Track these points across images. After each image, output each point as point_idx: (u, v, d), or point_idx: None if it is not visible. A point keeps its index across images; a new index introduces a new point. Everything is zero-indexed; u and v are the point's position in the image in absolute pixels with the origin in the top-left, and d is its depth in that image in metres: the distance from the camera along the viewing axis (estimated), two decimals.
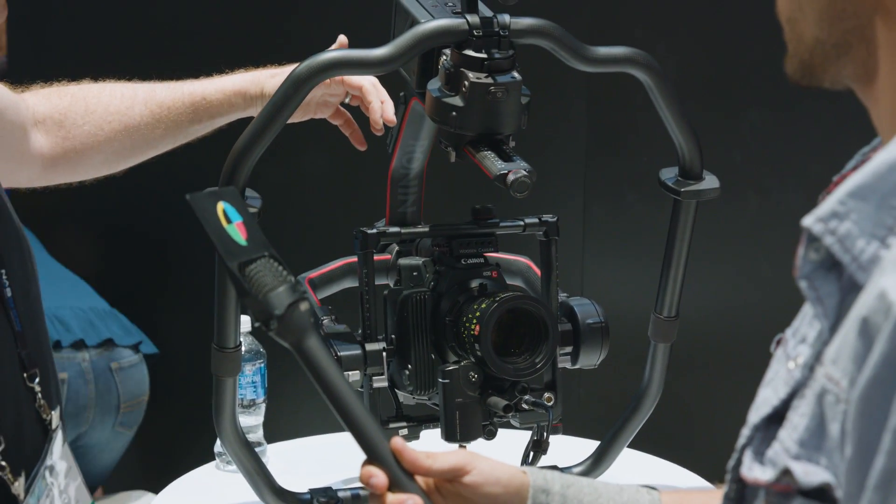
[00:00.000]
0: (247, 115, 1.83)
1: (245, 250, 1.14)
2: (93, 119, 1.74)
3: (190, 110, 1.77)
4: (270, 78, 1.81)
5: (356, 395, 1.16)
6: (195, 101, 1.77)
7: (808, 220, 0.89)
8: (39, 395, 1.35)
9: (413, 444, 1.71)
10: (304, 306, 1.13)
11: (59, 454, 1.38)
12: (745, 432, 0.98)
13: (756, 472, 0.94)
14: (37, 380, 1.35)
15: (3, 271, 1.33)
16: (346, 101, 1.86)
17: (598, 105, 2.91)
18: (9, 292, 1.34)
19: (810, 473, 0.89)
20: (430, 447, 1.86)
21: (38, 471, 1.33)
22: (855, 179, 0.88)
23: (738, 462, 0.98)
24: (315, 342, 1.14)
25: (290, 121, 1.81)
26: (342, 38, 1.88)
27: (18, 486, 1.29)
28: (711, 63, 2.85)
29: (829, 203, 0.89)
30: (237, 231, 1.15)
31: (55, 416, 1.38)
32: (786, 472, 0.91)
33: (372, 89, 1.77)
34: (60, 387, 1.46)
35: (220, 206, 1.16)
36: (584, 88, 2.90)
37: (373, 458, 1.16)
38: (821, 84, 0.97)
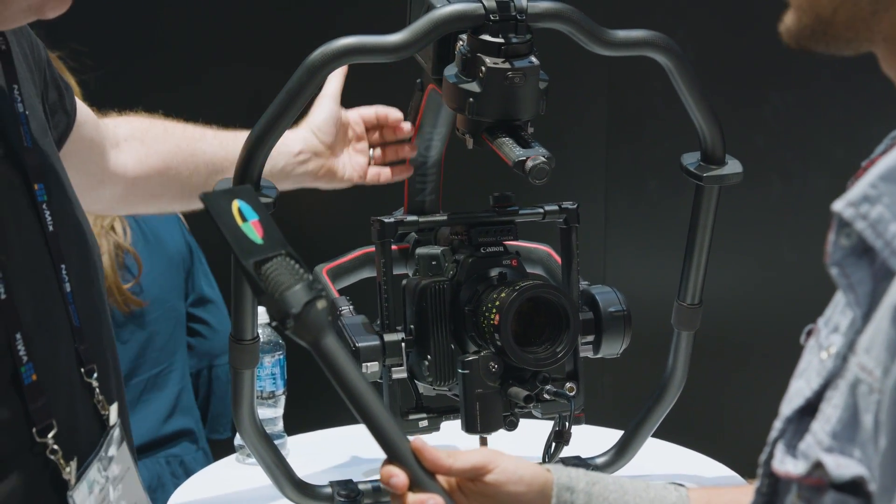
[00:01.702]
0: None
1: (261, 248, 1.13)
2: (172, 139, 1.78)
3: None
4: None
5: (375, 394, 1.14)
6: None
7: (839, 205, 0.87)
8: (98, 390, 1.35)
9: (434, 437, 1.70)
10: (321, 304, 1.12)
11: (116, 451, 1.37)
12: (778, 425, 0.95)
13: (788, 465, 0.91)
14: (94, 375, 1.35)
15: (63, 266, 1.34)
16: (371, 154, 1.91)
17: (619, 91, 2.89)
18: (68, 287, 1.34)
19: (843, 466, 0.86)
20: (450, 439, 1.85)
21: (92, 461, 1.32)
22: (886, 162, 0.85)
23: (770, 455, 0.95)
24: (332, 340, 1.13)
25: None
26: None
27: (69, 472, 1.29)
28: (732, 47, 2.83)
29: (860, 187, 0.86)
30: (253, 229, 1.14)
31: (113, 412, 1.37)
32: (818, 466, 0.88)
33: (371, 109, 1.88)
34: (122, 381, 1.45)
35: (236, 204, 1.14)
36: (605, 74, 2.88)
37: (393, 457, 1.14)
38: (835, 45, 0.92)
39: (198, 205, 1.82)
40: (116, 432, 1.38)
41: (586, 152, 2.91)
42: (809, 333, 1.00)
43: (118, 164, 1.71)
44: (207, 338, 2.64)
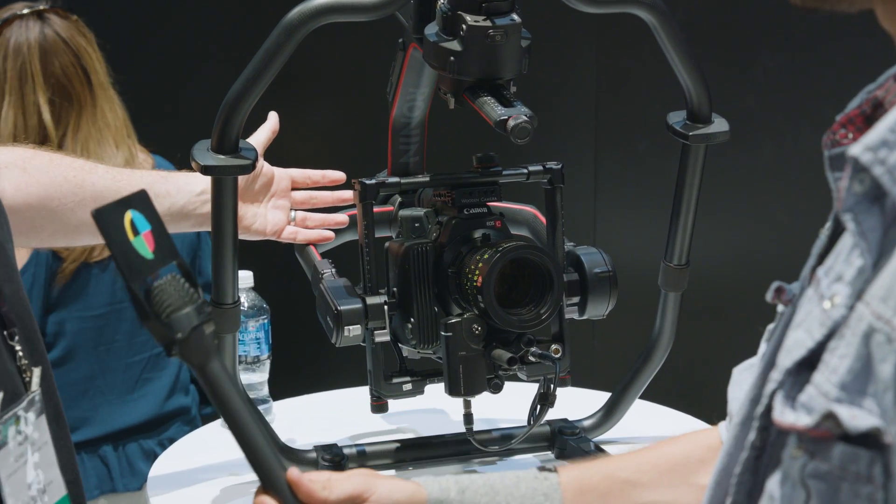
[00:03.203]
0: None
1: (151, 265, 1.10)
2: (58, 170, 1.70)
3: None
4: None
5: (256, 422, 1.16)
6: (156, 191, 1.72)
7: (856, 149, 0.85)
8: (20, 353, 1.33)
9: (418, 400, 1.69)
10: (208, 329, 1.12)
11: (35, 419, 1.34)
12: (776, 376, 0.92)
13: (789, 416, 0.89)
14: (16, 338, 1.32)
15: None
16: (293, 216, 1.87)
17: (609, 51, 2.86)
18: None
19: (857, 417, 0.84)
20: (434, 402, 1.84)
21: (14, 411, 1.29)
22: None
23: (768, 408, 0.93)
24: (217, 366, 1.13)
25: None
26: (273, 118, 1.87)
27: None
28: (724, 6, 2.80)
29: (878, 131, 0.84)
30: (144, 243, 1.11)
31: (36, 376, 1.35)
32: (828, 417, 0.85)
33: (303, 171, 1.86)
34: (46, 355, 1.42)
35: (129, 215, 1.11)
36: (594, 34, 2.86)
37: (268, 486, 1.17)
38: (839, 3, 0.90)
39: (83, 240, 1.76)
40: (37, 399, 1.35)
41: (576, 113, 2.89)
42: (777, 291, 0.99)
43: None
44: None
